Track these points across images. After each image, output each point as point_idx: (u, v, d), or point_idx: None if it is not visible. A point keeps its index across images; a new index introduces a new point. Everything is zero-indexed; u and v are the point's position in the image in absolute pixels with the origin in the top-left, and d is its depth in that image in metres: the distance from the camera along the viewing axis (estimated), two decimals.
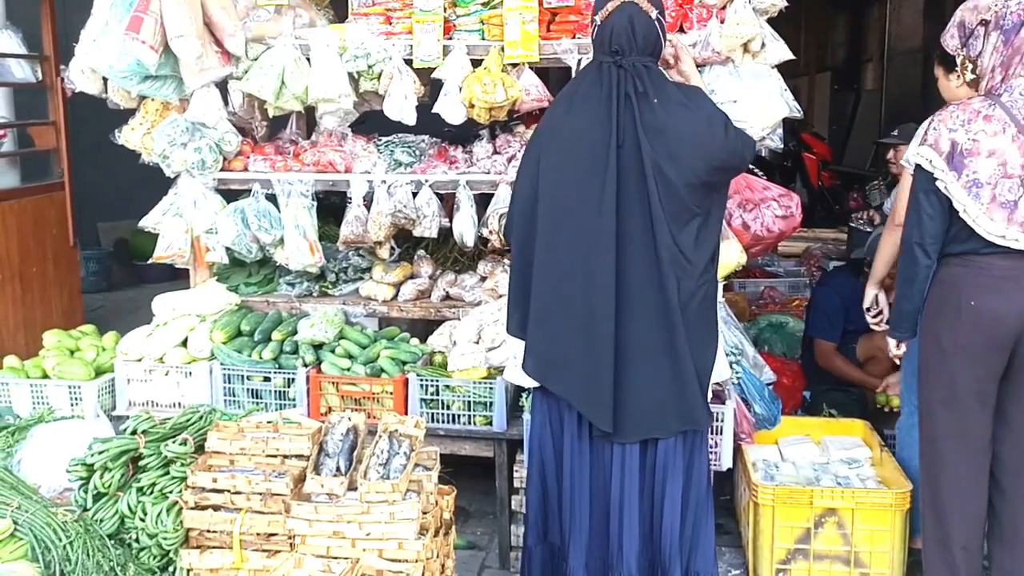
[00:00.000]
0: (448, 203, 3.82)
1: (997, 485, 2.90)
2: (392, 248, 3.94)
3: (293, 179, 3.77)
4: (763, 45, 3.44)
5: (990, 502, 2.91)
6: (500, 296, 3.69)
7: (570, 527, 2.73)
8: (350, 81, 3.68)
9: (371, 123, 4.14)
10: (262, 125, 4.08)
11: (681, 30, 3.54)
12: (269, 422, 2.78)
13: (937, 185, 2.73)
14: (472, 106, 3.58)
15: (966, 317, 2.76)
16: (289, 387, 3.62)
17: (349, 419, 2.72)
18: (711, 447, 3.30)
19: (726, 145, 2.53)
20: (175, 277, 5.55)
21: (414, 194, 3.72)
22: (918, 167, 2.79)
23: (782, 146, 3.58)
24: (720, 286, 3.58)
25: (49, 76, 5.34)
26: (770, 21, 3.49)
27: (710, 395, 2.78)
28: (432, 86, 3.89)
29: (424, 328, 3.99)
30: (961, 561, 2.89)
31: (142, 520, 2.56)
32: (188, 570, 2.56)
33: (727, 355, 3.47)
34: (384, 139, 3.95)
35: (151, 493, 2.61)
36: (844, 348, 4.47)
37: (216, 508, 2.56)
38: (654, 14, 2.57)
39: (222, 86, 3.81)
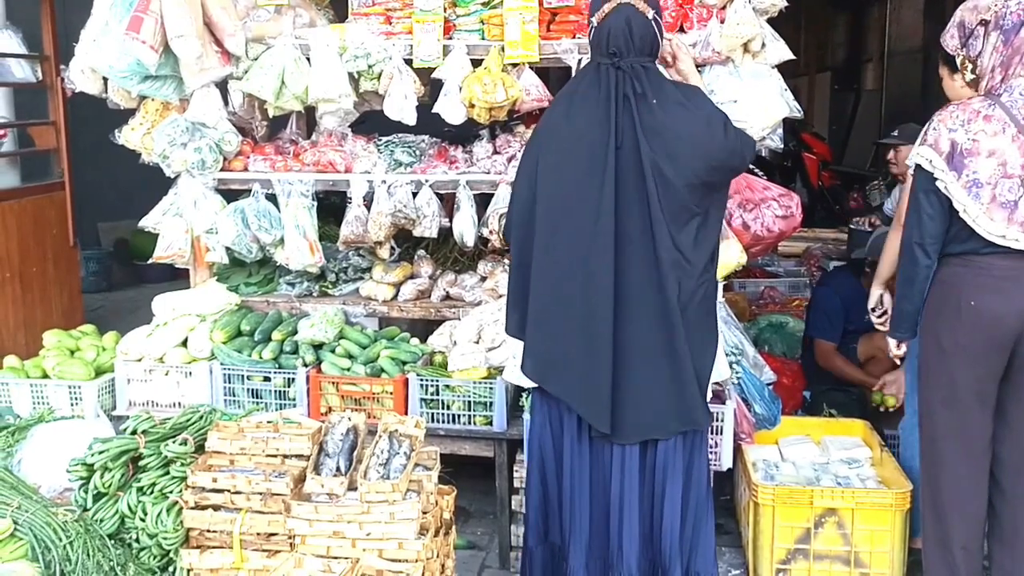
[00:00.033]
0: (448, 203, 3.82)
1: (997, 485, 2.90)
2: (392, 248, 3.94)
3: (293, 179, 3.77)
4: (763, 45, 3.44)
5: (990, 502, 2.91)
6: (500, 296, 3.69)
7: (570, 527, 2.73)
8: (350, 81, 3.68)
9: (371, 123, 4.14)
10: (262, 125, 4.08)
11: (681, 30, 3.54)
12: (269, 422, 2.78)
13: (937, 185, 2.73)
14: (472, 106, 3.58)
15: (966, 317, 2.76)
16: (289, 387, 3.62)
17: (349, 419, 2.73)
18: (711, 447, 3.31)
19: (725, 145, 2.53)
20: (175, 277, 5.55)
21: (414, 194, 3.72)
22: (918, 167, 2.79)
23: (782, 146, 3.58)
24: (720, 286, 3.58)
25: (49, 76, 5.34)
26: (770, 21, 3.49)
27: (710, 395, 2.78)
28: (432, 86, 3.89)
29: (424, 328, 3.99)
30: (961, 561, 2.89)
31: (142, 520, 2.57)
32: (188, 570, 2.56)
33: (727, 355, 3.47)
34: (384, 139, 3.95)
35: (151, 493, 2.61)
36: (844, 348, 4.47)
37: (216, 508, 2.56)
38: (651, 14, 2.57)
39: (222, 86, 3.81)
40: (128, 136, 3.90)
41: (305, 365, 3.65)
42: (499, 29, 3.61)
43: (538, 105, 3.60)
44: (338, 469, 2.58)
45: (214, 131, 3.77)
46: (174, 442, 2.68)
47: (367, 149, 3.86)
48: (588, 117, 2.55)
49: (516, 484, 3.44)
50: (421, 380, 3.53)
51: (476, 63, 3.65)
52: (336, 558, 2.48)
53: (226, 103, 3.82)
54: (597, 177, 2.52)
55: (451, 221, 3.73)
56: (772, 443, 3.77)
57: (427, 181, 3.72)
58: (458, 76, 3.61)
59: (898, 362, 3.34)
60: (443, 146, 3.94)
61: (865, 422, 3.87)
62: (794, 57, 3.56)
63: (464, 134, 4.01)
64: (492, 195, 3.69)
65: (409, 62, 3.68)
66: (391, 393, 3.54)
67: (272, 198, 3.80)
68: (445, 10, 3.66)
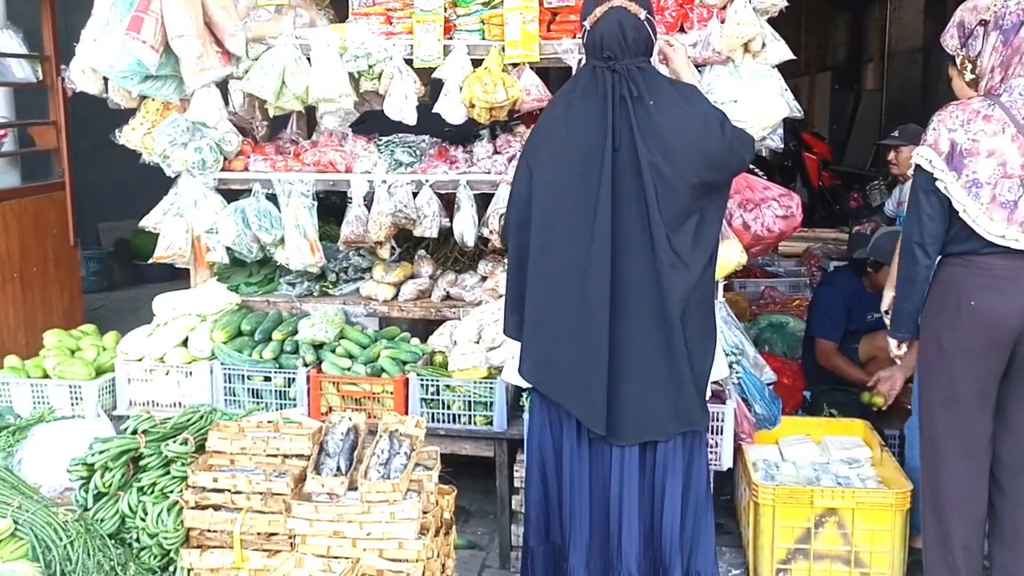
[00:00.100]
0: (448, 203, 3.82)
1: (997, 485, 2.90)
2: (392, 248, 3.94)
3: (293, 179, 3.78)
4: (763, 45, 3.44)
5: (990, 502, 2.91)
6: (500, 296, 3.69)
7: (570, 527, 2.73)
8: (350, 81, 3.68)
9: (371, 123, 4.14)
10: (262, 125, 4.08)
11: (681, 30, 3.54)
12: (270, 422, 2.79)
13: (937, 185, 2.73)
14: (472, 106, 3.58)
15: (966, 317, 2.76)
16: (289, 387, 3.62)
17: (350, 419, 2.73)
18: (711, 447, 3.31)
19: (723, 143, 2.53)
20: (175, 277, 5.56)
21: (414, 194, 3.73)
22: (918, 167, 2.79)
23: (782, 146, 3.58)
24: (720, 286, 3.59)
25: (50, 76, 5.34)
26: (770, 21, 3.49)
27: (709, 394, 2.78)
28: (432, 86, 3.89)
29: (424, 328, 3.99)
30: (961, 561, 2.89)
31: (143, 520, 2.57)
32: (189, 570, 2.56)
33: (727, 355, 3.48)
34: (384, 139, 3.95)
35: (152, 493, 2.61)
36: (846, 348, 4.47)
37: (216, 508, 2.56)
38: (643, 15, 2.57)
39: (223, 86, 3.81)
40: (128, 136, 3.90)
41: (305, 365, 3.65)
42: (499, 29, 3.61)
43: (538, 105, 3.60)
44: (338, 469, 2.58)
45: (214, 131, 3.77)
46: (174, 442, 2.68)
47: (367, 149, 3.87)
48: (585, 120, 2.56)
49: (516, 484, 3.44)
50: (421, 380, 3.53)
51: (476, 63, 3.65)
52: (336, 558, 2.48)
53: (226, 103, 3.82)
54: (594, 179, 2.52)
55: (451, 221, 3.73)
56: (772, 443, 3.77)
57: (427, 181, 3.72)
58: (458, 76, 3.61)
59: (898, 362, 3.34)
60: (443, 146, 3.94)
61: (865, 422, 3.87)
62: (794, 57, 3.56)
63: (464, 134, 4.01)
64: (492, 195, 3.69)
65: (409, 62, 3.68)
66: (391, 393, 3.54)
67: (272, 198, 3.81)
68: (445, 10, 3.67)
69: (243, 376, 3.66)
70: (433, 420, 3.52)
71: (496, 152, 3.83)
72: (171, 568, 2.59)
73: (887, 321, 3.36)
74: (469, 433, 3.53)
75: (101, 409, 3.68)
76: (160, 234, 3.90)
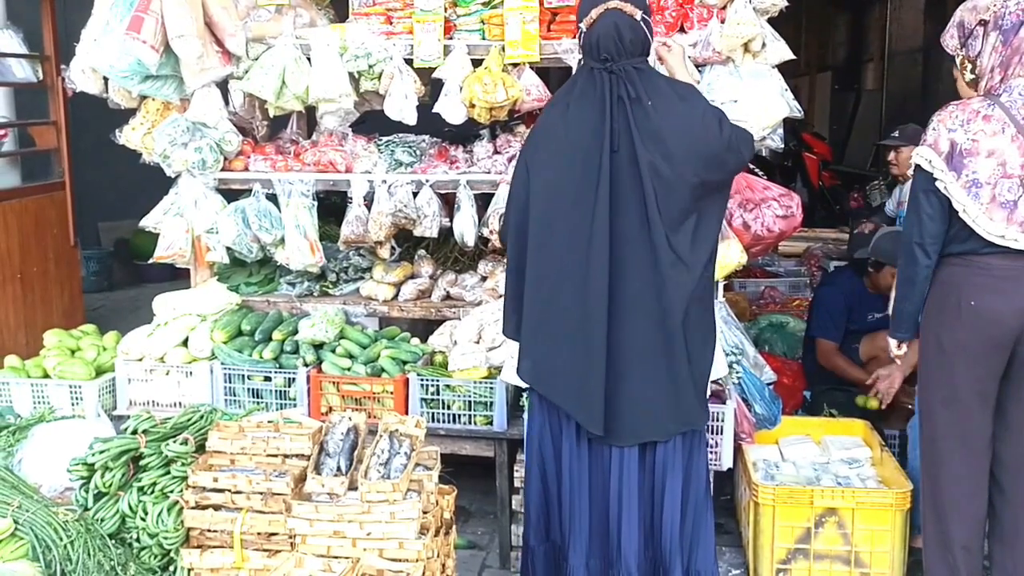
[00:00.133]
0: (448, 203, 3.82)
1: (997, 485, 2.90)
2: (393, 248, 3.94)
3: (294, 179, 3.78)
4: (764, 45, 3.44)
5: (990, 502, 2.91)
6: (500, 296, 3.68)
7: (570, 526, 2.73)
8: (351, 81, 3.69)
9: (371, 123, 4.14)
10: (263, 125, 4.08)
11: (681, 30, 3.54)
12: (270, 422, 2.79)
13: (936, 185, 2.73)
14: (473, 106, 3.58)
15: (966, 317, 2.76)
16: (290, 387, 3.62)
17: (350, 419, 2.73)
18: (711, 447, 3.31)
19: (721, 142, 2.53)
20: (176, 277, 5.56)
21: (415, 194, 3.73)
22: (917, 167, 2.79)
23: (782, 146, 3.58)
24: (720, 286, 3.58)
25: (50, 76, 5.34)
26: (770, 21, 3.49)
27: (708, 393, 2.78)
28: (433, 86, 3.90)
29: (425, 328, 3.99)
30: (961, 561, 2.89)
31: (143, 520, 2.57)
32: (189, 570, 2.57)
33: (727, 355, 3.48)
34: (385, 139, 3.95)
35: (152, 493, 2.61)
36: (846, 348, 4.47)
37: (217, 508, 2.56)
38: (639, 16, 2.56)
39: (223, 86, 3.82)
40: (129, 136, 3.90)
41: (306, 365, 3.65)
42: (500, 29, 3.61)
43: (539, 105, 3.60)
44: (339, 469, 2.58)
45: (215, 131, 3.78)
46: (175, 442, 2.68)
47: (368, 149, 3.87)
48: (583, 120, 2.56)
49: (516, 484, 3.44)
50: (421, 380, 3.53)
51: (477, 63, 3.65)
52: (336, 558, 2.48)
53: (227, 103, 3.83)
54: (592, 180, 2.52)
55: (451, 221, 3.73)
56: (772, 443, 3.77)
57: (427, 181, 3.72)
58: (458, 76, 3.61)
59: (899, 362, 3.34)
60: (443, 146, 3.94)
61: (865, 422, 3.87)
62: (794, 57, 3.56)
63: (464, 134, 4.01)
64: (492, 195, 3.69)
65: (410, 62, 3.68)
66: (391, 393, 3.54)
67: (272, 198, 3.81)
68: (446, 10, 3.67)
69: (243, 376, 3.66)
70: (433, 420, 3.53)
71: (496, 152, 3.83)
72: (171, 568, 2.59)
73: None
74: (469, 433, 3.53)
75: (101, 409, 3.68)
76: (160, 234, 3.90)
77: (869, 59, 13.35)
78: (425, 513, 2.56)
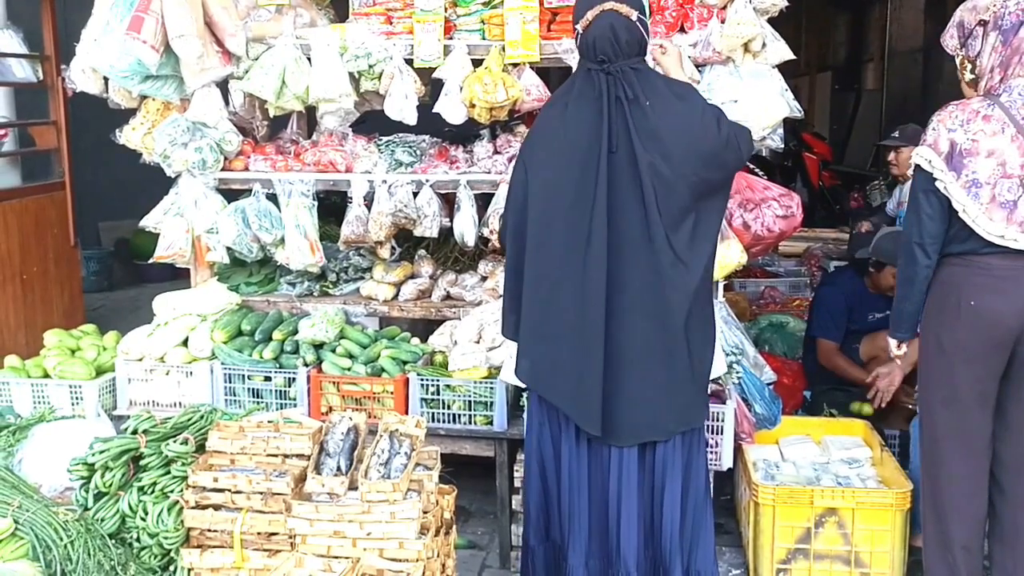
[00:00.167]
0: (449, 203, 3.82)
1: (997, 485, 2.90)
2: (393, 248, 3.94)
3: (294, 179, 3.78)
4: (764, 45, 3.44)
5: (990, 502, 2.91)
6: (500, 296, 3.69)
7: (569, 526, 2.73)
8: (351, 81, 3.68)
9: (372, 123, 4.14)
10: (263, 125, 4.08)
11: (682, 30, 3.54)
12: (270, 421, 2.79)
13: (936, 185, 2.73)
14: (473, 106, 3.58)
15: (966, 317, 2.76)
16: (290, 387, 3.62)
17: (350, 419, 2.73)
18: (711, 447, 3.31)
19: (719, 139, 2.52)
20: (176, 277, 5.55)
21: (415, 194, 3.73)
22: (917, 167, 2.79)
23: (783, 146, 3.58)
24: (720, 286, 3.58)
25: (50, 76, 5.34)
26: (771, 21, 3.49)
27: (709, 391, 2.79)
28: (433, 86, 3.89)
29: (425, 328, 3.99)
30: (961, 561, 2.89)
31: (143, 519, 2.57)
32: (189, 569, 2.57)
33: (728, 355, 3.48)
34: (385, 139, 3.95)
35: (152, 492, 2.61)
36: (847, 348, 4.47)
37: (217, 507, 2.56)
38: (635, 16, 2.56)
39: (223, 86, 3.82)
40: (129, 136, 3.90)
41: (306, 365, 3.65)
42: (500, 29, 3.61)
43: (539, 105, 3.60)
44: (339, 469, 2.58)
45: (215, 131, 3.77)
46: (175, 441, 2.68)
47: (368, 149, 3.87)
48: (581, 121, 2.56)
49: (517, 484, 3.44)
50: (422, 380, 3.53)
51: (477, 63, 3.65)
52: (337, 557, 2.48)
53: (227, 103, 3.83)
54: (590, 180, 2.52)
55: (452, 221, 3.73)
56: (772, 443, 3.77)
57: (428, 181, 3.72)
58: (459, 76, 3.61)
59: (898, 361, 3.34)
60: (444, 146, 3.94)
61: (865, 422, 3.87)
62: (795, 57, 3.56)
63: (465, 134, 4.01)
64: (493, 195, 3.69)
65: (410, 62, 3.68)
66: (392, 393, 3.54)
67: (273, 198, 3.81)
68: (446, 10, 3.67)
69: (243, 376, 3.66)
70: (433, 420, 3.53)
71: (496, 152, 3.83)
72: (171, 568, 2.59)
73: None
74: (469, 433, 3.53)
75: (101, 409, 3.68)
76: (160, 234, 3.90)
77: (869, 59, 13.36)
78: (425, 513, 2.56)
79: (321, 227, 3.85)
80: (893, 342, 3.05)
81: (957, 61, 2.95)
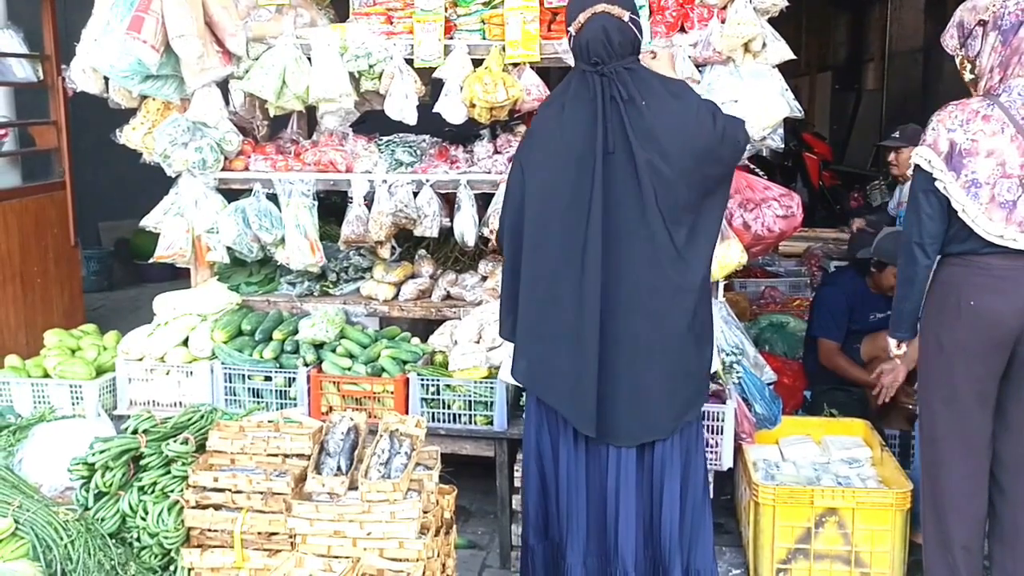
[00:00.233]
0: (449, 203, 3.82)
1: (997, 485, 2.90)
2: (393, 248, 3.94)
3: (294, 179, 3.78)
4: (764, 45, 3.44)
5: (990, 502, 2.91)
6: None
7: (567, 525, 2.74)
8: (351, 81, 3.68)
9: (372, 123, 4.14)
10: (263, 125, 4.08)
11: (682, 30, 3.54)
12: (270, 421, 2.79)
13: (936, 185, 2.73)
14: (473, 106, 3.58)
15: (966, 317, 2.76)
16: (290, 386, 3.62)
17: (350, 418, 2.73)
18: (712, 447, 3.32)
19: (715, 134, 2.52)
20: (176, 276, 5.56)
21: (415, 194, 3.73)
22: (917, 167, 2.80)
23: (783, 146, 3.58)
24: (720, 286, 3.59)
25: (50, 75, 5.34)
26: (771, 21, 3.49)
27: (709, 391, 2.80)
28: (433, 86, 3.90)
29: (425, 328, 3.99)
30: (961, 561, 2.89)
31: (143, 519, 2.57)
32: (189, 569, 2.57)
33: (728, 355, 3.49)
34: (385, 139, 3.95)
35: (152, 492, 2.61)
36: (848, 348, 4.47)
37: (217, 507, 2.56)
38: (627, 17, 2.56)
39: (223, 86, 3.82)
40: (129, 136, 3.90)
41: (306, 364, 3.65)
42: (500, 29, 3.61)
43: (539, 105, 3.60)
44: (339, 468, 2.58)
45: (215, 131, 3.78)
46: (175, 441, 2.68)
47: (368, 149, 3.87)
48: (578, 122, 2.56)
49: (517, 483, 3.44)
50: (422, 380, 3.53)
51: (477, 63, 3.65)
52: (337, 557, 2.48)
53: (227, 103, 3.83)
54: (587, 182, 2.52)
55: (452, 221, 3.73)
56: (773, 443, 3.77)
57: (428, 181, 3.72)
58: (459, 76, 3.61)
59: (899, 362, 3.34)
60: (444, 146, 3.94)
61: (866, 422, 3.87)
62: (795, 57, 3.56)
63: (465, 134, 4.01)
64: (493, 195, 3.69)
65: (410, 62, 3.68)
66: (392, 392, 3.54)
67: (273, 198, 3.81)
68: (446, 10, 3.67)
69: (244, 376, 3.66)
70: (433, 420, 3.53)
71: (496, 152, 3.83)
72: (172, 567, 2.59)
73: None
74: (469, 433, 3.53)
75: (102, 409, 3.68)
76: (161, 234, 3.90)
77: (869, 59, 13.35)
78: (425, 513, 2.56)
79: (321, 227, 3.85)
80: (893, 342, 3.05)
81: (957, 61, 2.95)
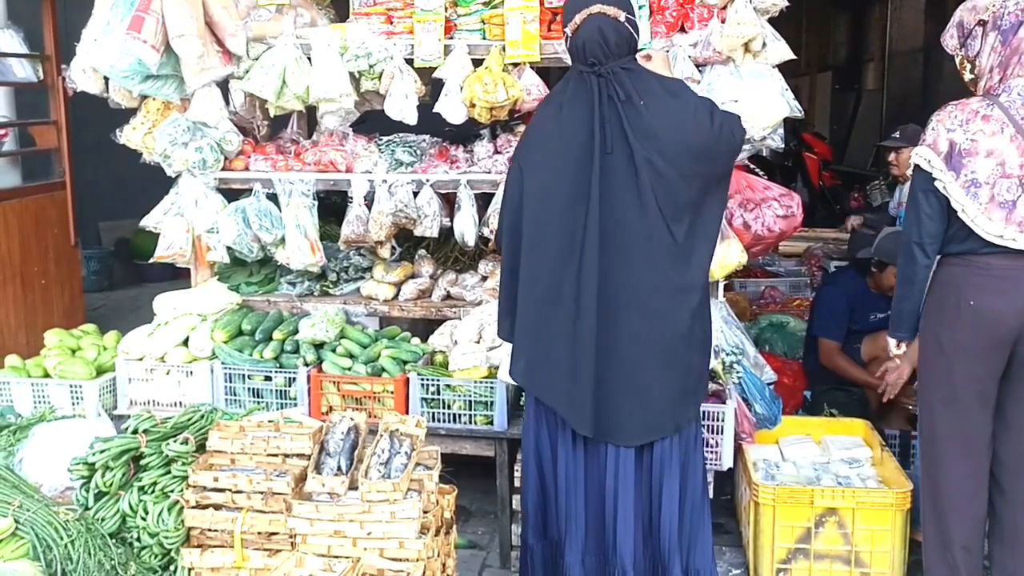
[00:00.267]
0: (449, 202, 3.82)
1: (997, 485, 2.90)
2: (393, 247, 3.94)
3: (294, 178, 3.78)
4: (764, 45, 3.44)
5: (990, 502, 2.91)
6: None
7: (566, 524, 2.74)
8: (351, 80, 3.68)
9: (372, 123, 4.14)
10: (263, 124, 4.08)
11: (682, 30, 3.54)
12: (270, 421, 2.79)
13: (935, 185, 2.73)
14: (473, 106, 3.58)
15: (965, 317, 2.76)
16: (290, 386, 3.63)
17: (350, 418, 2.73)
18: (712, 447, 3.32)
19: (713, 133, 2.52)
20: (176, 276, 5.56)
21: (415, 194, 3.73)
22: (917, 167, 2.80)
23: (783, 146, 3.58)
24: (720, 286, 3.59)
25: (50, 75, 5.34)
26: (771, 21, 3.49)
27: (709, 391, 2.80)
28: (433, 86, 3.89)
29: (425, 327, 3.99)
30: (961, 561, 2.89)
31: (143, 519, 2.57)
32: (189, 569, 2.57)
33: (728, 355, 3.48)
34: (385, 139, 3.95)
35: (152, 492, 2.62)
36: (848, 348, 4.47)
37: (217, 507, 2.56)
38: (623, 17, 2.56)
39: (223, 85, 3.81)
40: (129, 135, 3.90)
41: (306, 364, 3.65)
42: (500, 29, 3.61)
43: (538, 105, 3.60)
44: (339, 468, 2.58)
45: (215, 131, 3.78)
46: (175, 441, 2.68)
47: (368, 149, 3.87)
48: (576, 123, 2.56)
49: (517, 483, 3.44)
50: (422, 379, 3.53)
51: (477, 63, 3.65)
52: (337, 557, 2.49)
53: (227, 103, 3.82)
54: (585, 182, 2.53)
55: (452, 221, 3.73)
56: (773, 443, 3.77)
57: (428, 181, 3.73)
58: (459, 76, 3.61)
59: (897, 361, 3.34)
60: (444, 146, 3.94)
61: (866, 422, 3.87)
62: (795, 57, 3.56)
63: (465, 134, 4.01)
64: (493, 195, 3.69)
65: (410, 62, 3.68)
66: (392, 392, 3.54)
67: (273, 197, 3.81)
68: (446, 10, 3.67)
69: (244, 376, 3.66)
70: (433, 420, 3.53)
71: (496, 152, 3.83)
72: (172, 567, 2.59)
73: None
74: (470, 433, 3.53)
75: (102, 408, 3.68)
76: (161, 234, 3.90)
77: (870, 59, 13.35)
78: (425, 513, 2.56)
79: (321, 227, 3.85)
80: (892, 342, 3.05)
81: (957, 61, 2.95)
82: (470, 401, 3.50)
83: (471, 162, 3.81)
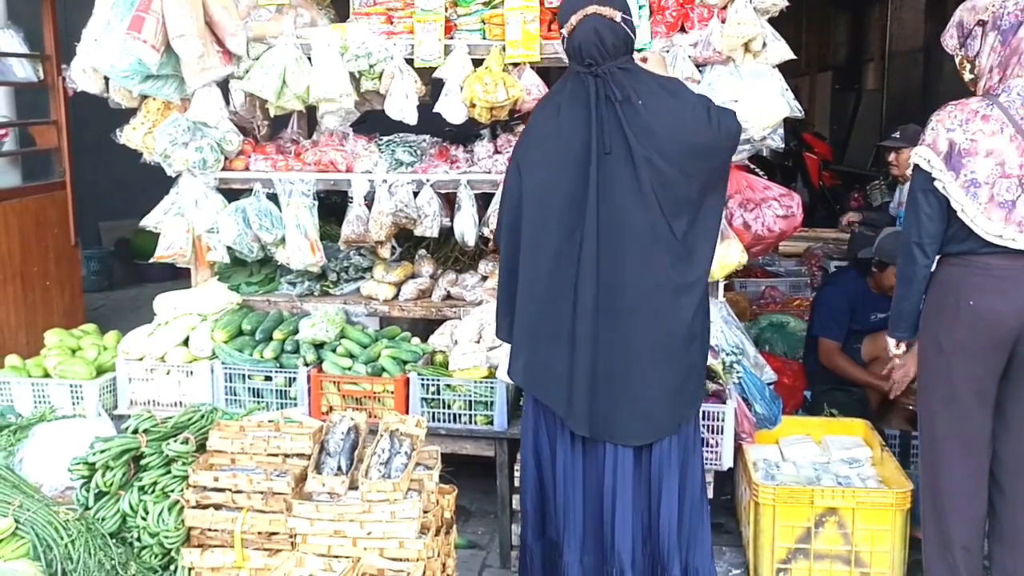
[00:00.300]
0: (449, 202, 3.82)
1: (997, 485, 2.90)
2: (393, 247, 3.95)
3: (294, 178, 3.78)
4: (764, 45, 3.44)
5: (990, 502, 2.91)
6: None
7: (564, 523, 2.74)
8: (351, 80, 3.69)
9: (372, 122, 4.15)
10: (263, 124, 4.08)
11: (682, 30, 3.54)
12: (270, 421, 2.79)
13: (935, 185, 2.73)
14: (473, 106, 3.58)
15: (965, 317, 2.76)
16: (290, 386, 3.63)
17: (351, 418, 2.73)
18: (712, 447, 3.32)
19: (710, 129, 2.53)
20: (176, 276, 5.56)
21: (415, 193, 3.73)
22: (916, 167, 2.80)
23: (783, 146, 3.58)
24: (720, 286, 3.59)
25: (51, 75, 5.34)
26: (771, 20, 3.49)
27: (708, 391, 2.80)
28: (433, 86, 3.90)
29: (425, 327, 3.99)
30: (961, 561, 2.89)
31: (144, 519, 2.57)
32: (189, 569, 2.57)
33: (728, 355, 3.48)
34: (385, 138, 3.95)
35: (153, 492, 2.62)
36: (848, 348, 4.47)
37: (217, 507, 2.56)
38: (619, 17, 2.56)
39: (223, 85, 3.82)
40: (129, 135, 3.90)
41: (306, 364, 3.65)
42: (500, 29, 3.61)
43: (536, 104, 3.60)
44: (339, 468, 2.58)
45: (215, 130, 3.78)
46: (175, 441, 2.68)
47: (368, 149, 3.87)
48: (574, 122, 2.56)
49: (517, 483, 3.43)
50: (422, 379, 3.53)
51: (477, 63, 3.65)
52: (337, 557, 2.49)
53: (227, 102, 3.83)
54: (584, 182, 2.53)
55: (452, 221, 3.73)
56: (773, 443, 3.77)
57: (428, 181, 3.73)
58: (459, 76, 3.61)
59: (898, 362, 3.34)
60: (444, 146, 3.94)
61: (866, 422, 3.87)
62: (795, 57, 3.56)
63: (465, 134, 4.01)
64: (493, 194, 3.69)
65: (410, 62, 3.68)
66: (392, 392, 3.54)
67: (273, 197, 3.81)
68: (446, 10, 3.67)
69: (244, 375, 3.66)
70: (434, 419, 3.53)
71: (497, 152, 3.83)
72: (172, 567, 2.60)
73: None
74: (470, 432, 3.53)
75: (102, 408, 3.68)
76: (161, 234, 3.90)
77: (870, 59, 13.35)
78: (426, 512, 2.56)
79: (321, 227, 3.85)
80: (892, 341, 3.05)
81: (956, 61, 2.95)
82: (470, 401, 3.50)
83: (471, 162, 3.81)
